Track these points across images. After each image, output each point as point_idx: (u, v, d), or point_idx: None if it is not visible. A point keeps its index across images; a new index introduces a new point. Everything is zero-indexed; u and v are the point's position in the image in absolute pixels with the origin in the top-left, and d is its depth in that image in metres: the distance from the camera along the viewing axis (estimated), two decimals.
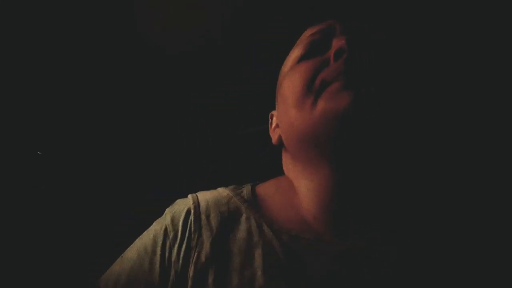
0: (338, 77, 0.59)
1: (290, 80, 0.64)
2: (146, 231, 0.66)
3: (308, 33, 0.68)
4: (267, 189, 0.68)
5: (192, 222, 0.62)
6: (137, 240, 0.66)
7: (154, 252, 0.62)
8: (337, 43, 0.61)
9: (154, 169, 1.02)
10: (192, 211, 0.63)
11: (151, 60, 1.00)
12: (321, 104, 0.59)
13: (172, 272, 0.60)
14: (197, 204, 0.64)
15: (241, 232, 0.61)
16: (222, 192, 0.68)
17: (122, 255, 0.65)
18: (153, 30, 0.98)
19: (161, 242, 0.62)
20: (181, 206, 0.66)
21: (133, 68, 1.01)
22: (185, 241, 0.61)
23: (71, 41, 0.99)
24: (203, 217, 0.63)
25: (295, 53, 0.67)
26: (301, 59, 0.65)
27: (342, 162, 0.61)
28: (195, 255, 0.60)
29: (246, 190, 0.68)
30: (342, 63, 0.60)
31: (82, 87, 1.01)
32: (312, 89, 0.61)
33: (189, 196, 0.67)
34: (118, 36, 0.99)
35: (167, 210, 0.67)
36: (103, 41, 1.00)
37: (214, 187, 0.73)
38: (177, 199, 0.70)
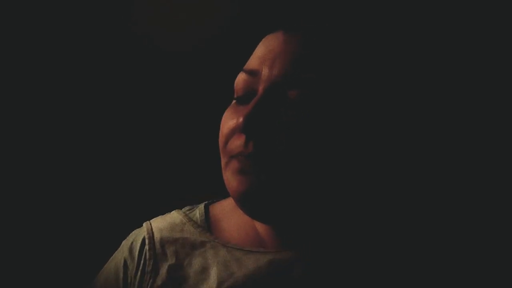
0: (239, 154, 0.58)
1: (224, 120, 0.63)
2: (106, 265, 0.70)
3: (248, 63, 0.63)
4: (224, 208, 0.70)
5: (147, 251, 0.66)
6: (98, 275, 0.70)
7: (117, 285, 0.66)
8: (239, 116, 0.58)
9: (153, 170, 1.02)
10: (147, 241, 0.67)
11: (150, 60, 1.00)
12: (226, 174, 0.61)
13: None
14: (151, 234, 0.67)
15: (197, 256, 0.64)
16: (176, 218, 0.70)
17: None
18: (151, 29, 0.98)
19: (122, 275, 0.66)
20: (137, 237, 0.69)
21: (132, 68, 1.01)
22: (141, 268, 0.65)
23: (68, 40, 0.99)
24: (157, 246, 0.66)
25: (240, 81, 0.62)
26: (237, 100, 0.63)
27: (259, 220, 0.63)
28: (150, 280, 0.63)
29: (199, 212, 0.70)
30: (243, 140, 0.58)
31: (78, 87, 1.01)
32: (225, 150, 0.61)
33: (144, 225, 0.70)
34: (117, 36, 0.99)
35: (123, 242, 0.70)
36: (102, 40, 1.00)
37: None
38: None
